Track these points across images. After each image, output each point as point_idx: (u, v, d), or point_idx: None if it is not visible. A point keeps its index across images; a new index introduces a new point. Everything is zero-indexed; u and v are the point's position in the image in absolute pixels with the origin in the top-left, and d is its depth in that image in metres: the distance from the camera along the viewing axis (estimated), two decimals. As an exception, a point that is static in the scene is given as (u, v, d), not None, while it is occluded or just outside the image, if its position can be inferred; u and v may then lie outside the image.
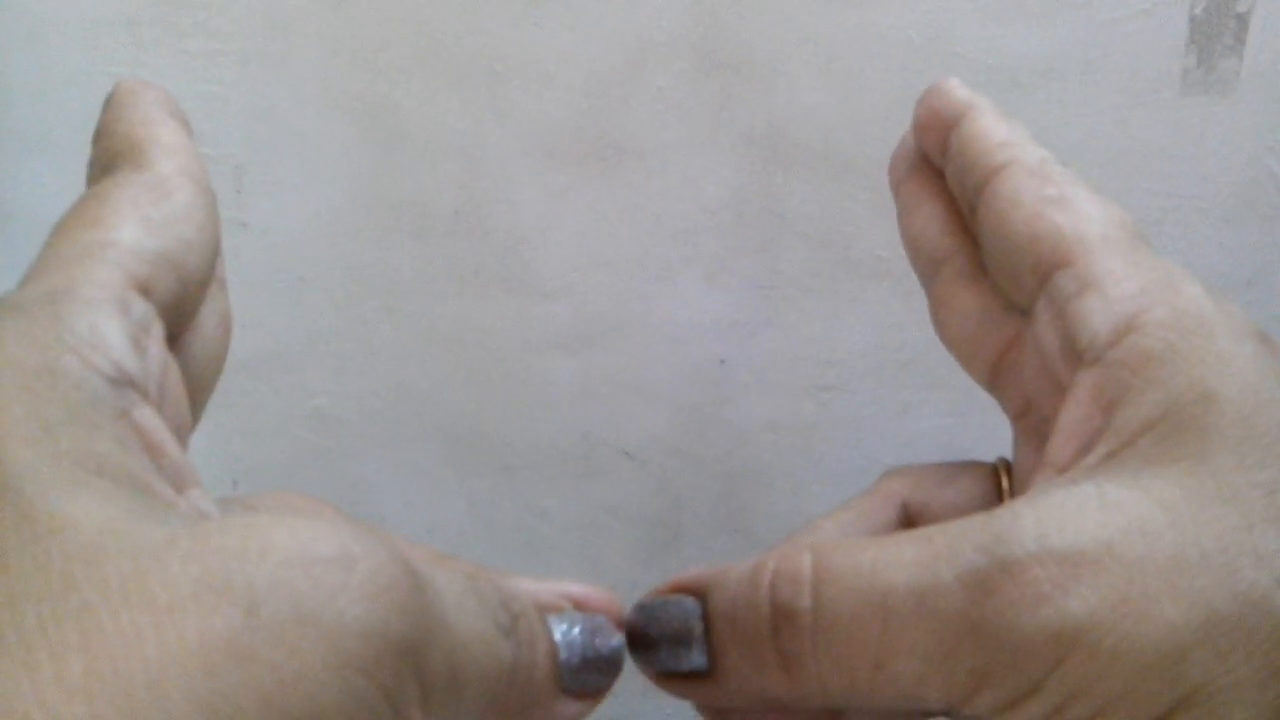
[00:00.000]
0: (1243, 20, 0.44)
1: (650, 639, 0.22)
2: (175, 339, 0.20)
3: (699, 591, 0.22)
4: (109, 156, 0.21)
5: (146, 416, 0.18)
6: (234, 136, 0.48)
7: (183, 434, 0.20)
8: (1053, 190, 0.22)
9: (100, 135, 0.22)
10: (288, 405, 0.52)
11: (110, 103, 0.22)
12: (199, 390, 0.22)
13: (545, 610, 0.21)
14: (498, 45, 0.46)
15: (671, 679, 0.22)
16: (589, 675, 0.21)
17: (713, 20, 0.45)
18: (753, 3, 0.45)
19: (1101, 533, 0.18)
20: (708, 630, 0.21)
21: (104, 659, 0.14)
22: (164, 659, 0.14)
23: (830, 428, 0.51)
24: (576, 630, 0.21)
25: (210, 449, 0.52)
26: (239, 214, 0.49)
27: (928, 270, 0.25)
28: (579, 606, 0.22)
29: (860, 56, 0.45)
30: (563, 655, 0.21)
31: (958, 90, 0.24)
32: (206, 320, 0.22)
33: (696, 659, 0.22)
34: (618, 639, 0.22)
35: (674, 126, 0.47)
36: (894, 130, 0.47)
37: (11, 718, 0.13)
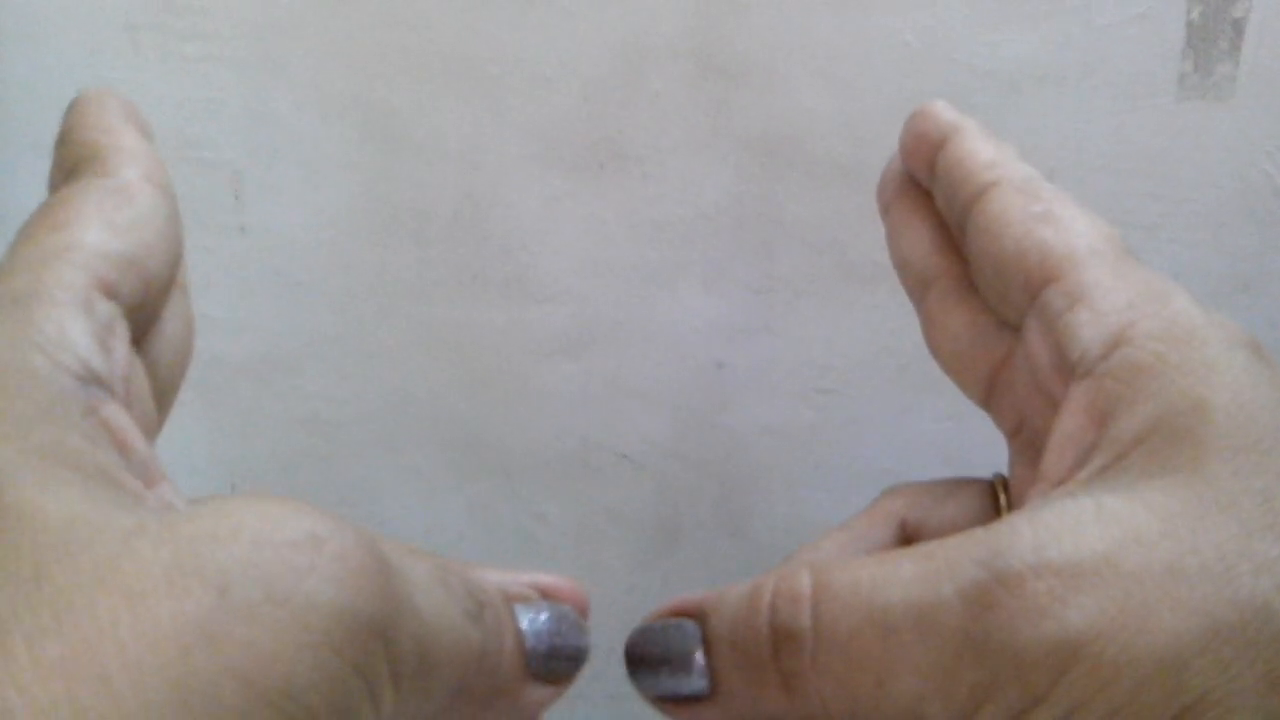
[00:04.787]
0: (1239, 25, 0.45)
1: (650, 664, 0.22)
2: (139, 341, 0.21)
3: (698, 614, 0.22)
4: (71, 162, 0.21)
5: (114, 413, 0.18)
6: (232, 141, 0.48)
7: (149, 433, 0.20)
8: (1040, 207, 0.22)
9: (62, 142, 0.22)
10: (286, 409, 0.52)
11: (72, 110, 0.22)
12: (164, 392, 0.22)
13: (513, 600, 0.21)
14: (495, 49, 0.46)
15: (672, 703, 0.22)
16: (556, 662, 0.21)
17: (710, 25, 0.45)
18: (750, 7, 0.45)
19: (1099, 544, 0.18)
20: (708, 653, 0.21)
21: (79, 642, 0.14)
22: (139, 641, 0.14)
23: (828, 431, 0.51)
24: (543, 618, 0.21)
25: (208, 452, 0.52)
26: (237, 218, 0.49)
27: (918, 290, 0.26)
28: (546, 595, 0.22)
29: (858, 61, 0.45)
30: (529, 643, 0.21)
31: (944, 112, 0.25)
32: (169, 323, 0.22)
33: (697, 683, 0.22)
34: (583, 628, 0.22)
35: (672, 131, 0.47)
36: (892, 135, 0.47)
37: None
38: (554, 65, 0.46)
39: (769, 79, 0.46)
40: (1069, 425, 0.20)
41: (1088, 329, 0.20)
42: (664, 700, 0.22)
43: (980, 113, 0.46)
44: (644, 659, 0.22)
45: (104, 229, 0.20)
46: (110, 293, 0.19)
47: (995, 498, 0.25)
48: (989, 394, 0.24)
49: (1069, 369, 0.21)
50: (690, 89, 0.46)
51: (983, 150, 0.24)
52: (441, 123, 0.47)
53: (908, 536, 0.25)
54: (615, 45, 0.46)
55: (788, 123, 0.46)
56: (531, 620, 0.21)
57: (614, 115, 0.47)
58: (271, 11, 0.46)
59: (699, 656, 0.21)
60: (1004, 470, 0.25)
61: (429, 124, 0.47)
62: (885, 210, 0.27)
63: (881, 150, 0.47)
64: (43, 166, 0.48)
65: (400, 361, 0.51)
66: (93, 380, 0.18)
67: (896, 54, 0.45)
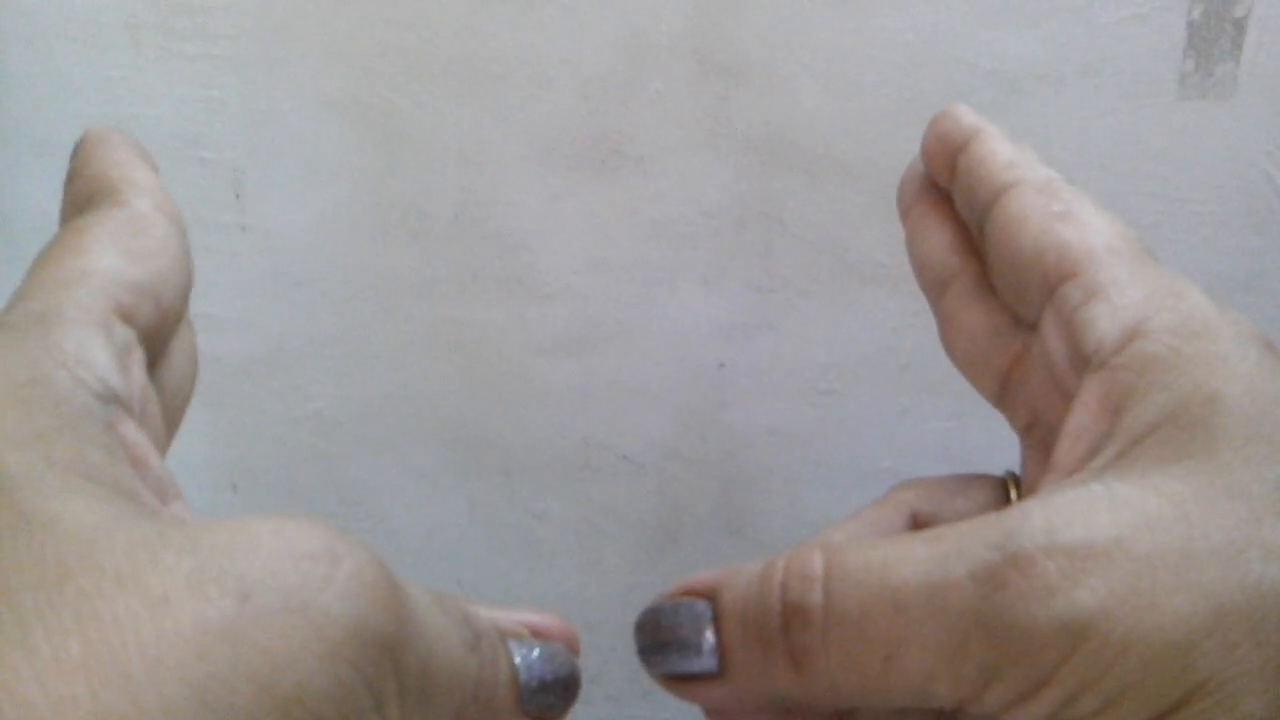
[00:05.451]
0: (1240, 25, 0.45)
1: (659, 643, 0.22)
2: (149, 369, 0.21)
3: (708, 594, 0.22)
4: (84, 195, 0.22)
5: (131, 431, 0.19)
6: (233, 140, 0.48)
7: (160, 454, 0.21)
8: (1059, 206, 0.23)
9: (74, 177, 0.22)
10: (287, 408, 0.52)
11: (81, 148, 0.23)
12: (168, 422, 0.22)
13: (505, 635, 0.22)
14: (496, 48, 0.46)
15: (681, 681, 0.23)
16: (546, 697, 0.22)
17: (711, 24, 0.45)
18: (751, 6, 0.45)
19: (1111, 528, 0.18)
20: (718, 631, 0.22)
21: (101, 642, 0.14)
22: (160, 642, 0.14)
23: (829, 431, 0.51)
24: (535, 654, 0.22)
25: (210, 452, 0.52)
26: (238, 217, 0.49)
27: (935, 290, 0.26)
28: (536, 634, 0.22)
29: (859, 61, 0.45)
30: (522, 677, 0.21)
31: (966, 115, 0.25)
32: (175, 354, 0.22)
33: (706, 661, 0.22)
34: (574, 664, 0.22)
35: (673, 130, 0.47)
36: (893, 134, 0.47)
37: (12, 697, 0.14)
38: (554, 64, 0.46)
39: (770, 78, 0.46)
40: (1082, 416, 0.21)
41: (1103, 322, 0.21)
42: (673, 679, 0.22)
43: (981, 111, 0.46)
44: (654, 638, 0.22)
45: (121, 256, 0.20)
46: (127, 317, 0.20)
47: (1007, 494, 0.25)
48: (1003, 392, 0.25)
49: (1084, 362, 0.21)
50: (691, 88, 0.46)
51: (1003, 151, 0.24)
52: (442, 121, 0.47)
53: (918, 528, 0.25)
54: (616, 44, 0.46)
55: (789, 122, 0.46)
56: (524, 656, 0.21)
57: (614, 114, 0.47)
58: (272, 11, 0.46)
59: (709, 635, 0.22)
60: (1013, 469, 0.25)
61: (429, 123, 0.47)
62: (905, 213, 0.27)
63: (883, 149, 0.47)
64: (42, 166, 0.48)
65: (401, 361, 0.51)
66: (112, 398, 0.18)
67: (897, 53, 0.45)
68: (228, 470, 0.53)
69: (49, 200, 0.54)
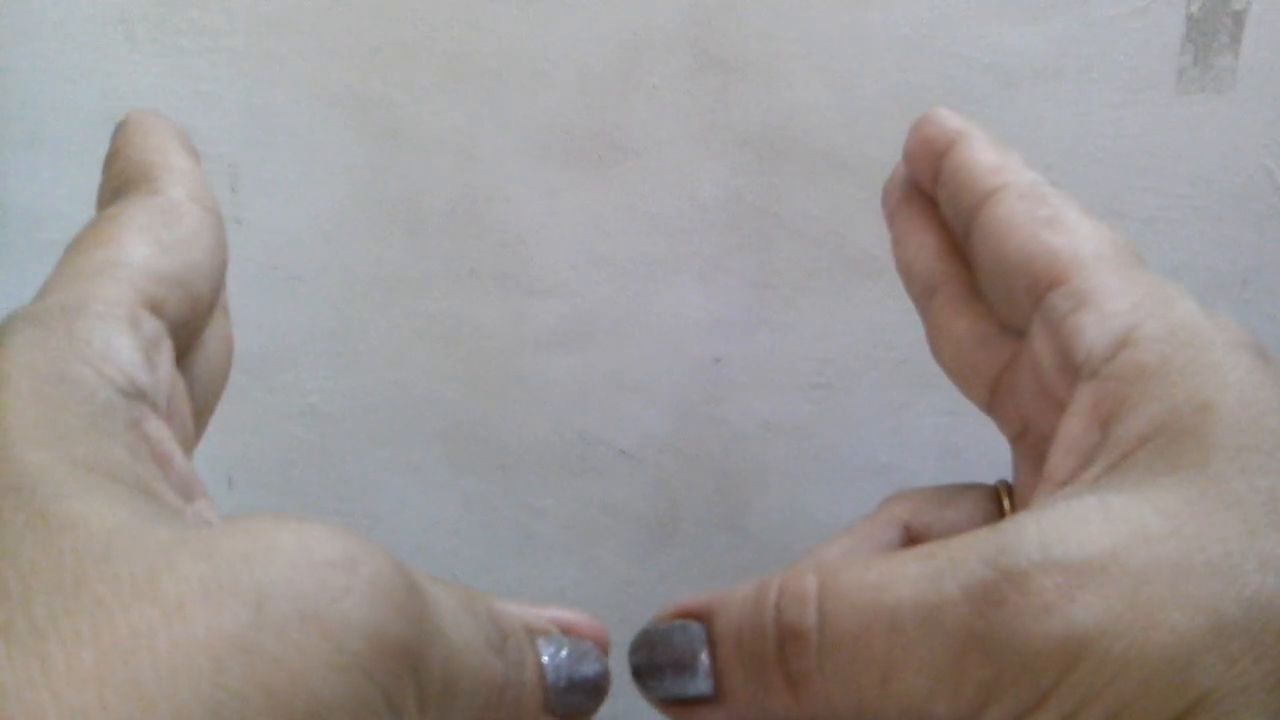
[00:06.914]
0: (1239, 18, 0.44)
1: (655, 666, 0.22)
2: (181, 359, 0.21)
3: (702, 616, 0.22)
4: (121, 181, 0.21)
5: (156, 428, 0.19)
6: (229, 135, 0.47)
7: (187, 449, 0.21)
8: (1045, 212, 0.22)
9: (112, 160, 0.22)
10: (282, 403, 0.52)
11: (121, 130, 0.22)
12: (201, 410, 0.22)
13: (534, 633, 0.21)
14: (493, 43, 0.46)
15: (676, 705, 0.22)
16: (574, 697, 0.21)
17: (708, 18, 0.45)
18: (748, 0, 0.45)
19: (1106, 542, 0.18)
20: (713, 654, 0.22)
21: (114, 651, 0.14)
22: (173, 652, 0.14)
23: (826, 426, 0.51)
24: (564, 653, 0.21)
25: (205, 447, 0.52)
26: (234, 212, 0.49)
27: (923, 296, 0.26)
28: (566, 631, 0.22)
29: (856, 54, 0.45)
30: (549, 677, 0.21)
31: (949, 119, 0.25)
32: (210, 343, 0.22)
33: (702, 684, 0.22)
34: (603, 664, 0.22)
35: (669, 124, 0.47)
36: (890, 128, 0.47)
37: (24, 706, 0.14)
38: (551, 58, 0.46)
39: (767, 72, 0.46)
40: (1074, 427, 0.20)
41: (1093, 331, 0.20)
42: (669, 702, 0.22)
43: (979, 107, 0.46)
44: (648, 661, 0.22)
45: (152, 246, 0.20)
46: (156, 310, 0.19)
47: (999, 503, 0.25)
48: (993, 399, 0.24)
49: (1074, 371, 0.21)
50: (688, 82, 0.46)
51: (988, 156, 0.24)
52: (438, 116, 0.47)
53: (911, 540, 0.25)
54: (612, 38, 0.46)
55: (786, 116, 0.46)
56: (552, 654, 0.21)
57: (611, 108, 0.47)
58: (268, 4, 0.46)
59: (704, 658, 0.21)
60: (1005, 472, 0.25)
61: (426, 117, 0.47)
62: (890, 217, 0.27)
63: (880, 144, 0.47)
64: (39, 159, 0.48)
65: (397, 355, 0.51)
66: (137, 395, 0.18)
67: (895, 47, 0.45)
68: (223, 464, 0.52)
69: (43, 196, 0.54)
